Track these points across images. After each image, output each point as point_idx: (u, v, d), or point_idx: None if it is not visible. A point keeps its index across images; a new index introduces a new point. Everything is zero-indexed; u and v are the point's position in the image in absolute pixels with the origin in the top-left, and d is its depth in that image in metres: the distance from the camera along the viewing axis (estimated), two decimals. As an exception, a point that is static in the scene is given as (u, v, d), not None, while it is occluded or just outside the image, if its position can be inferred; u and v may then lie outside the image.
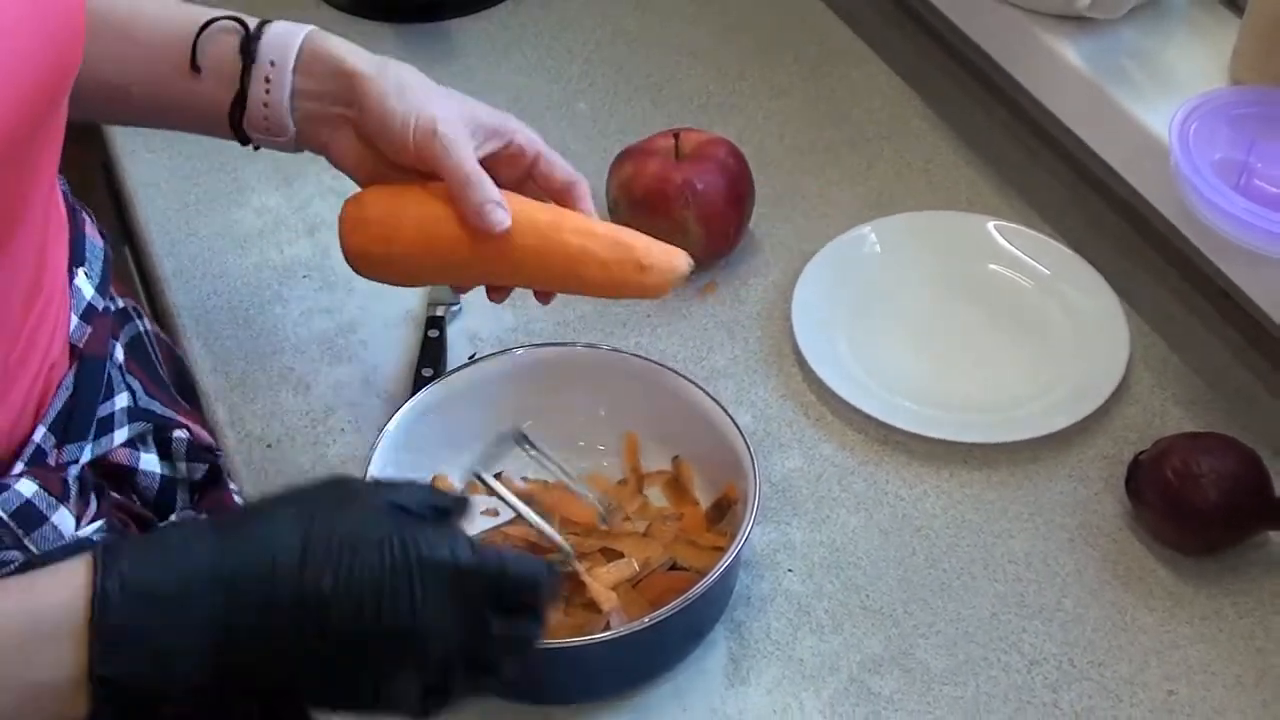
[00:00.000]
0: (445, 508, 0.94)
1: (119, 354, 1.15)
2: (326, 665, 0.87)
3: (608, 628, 1.11)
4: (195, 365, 1.36)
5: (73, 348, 1.08)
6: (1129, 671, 1.14)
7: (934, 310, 1.42)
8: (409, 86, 1.14)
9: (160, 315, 1.45)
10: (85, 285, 1.12)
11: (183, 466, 1.17)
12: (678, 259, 1.15)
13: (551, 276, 1.16)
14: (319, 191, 1.54)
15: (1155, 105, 1.27)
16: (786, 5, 1.80)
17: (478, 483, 1.20)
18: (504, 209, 1.11)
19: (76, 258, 1.11)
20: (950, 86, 1.65)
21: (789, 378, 1.36)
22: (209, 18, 1.16)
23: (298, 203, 1.53)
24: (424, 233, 1.14)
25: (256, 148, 1.20)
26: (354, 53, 1.16)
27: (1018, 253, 1.44)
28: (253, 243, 1.49)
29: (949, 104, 1.64)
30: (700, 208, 1.39)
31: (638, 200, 1.40)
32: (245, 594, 0.85)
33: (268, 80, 1.14)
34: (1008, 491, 1.27)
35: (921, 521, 1.25)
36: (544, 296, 1.21)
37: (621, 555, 1.17)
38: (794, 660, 1.15)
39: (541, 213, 1.15)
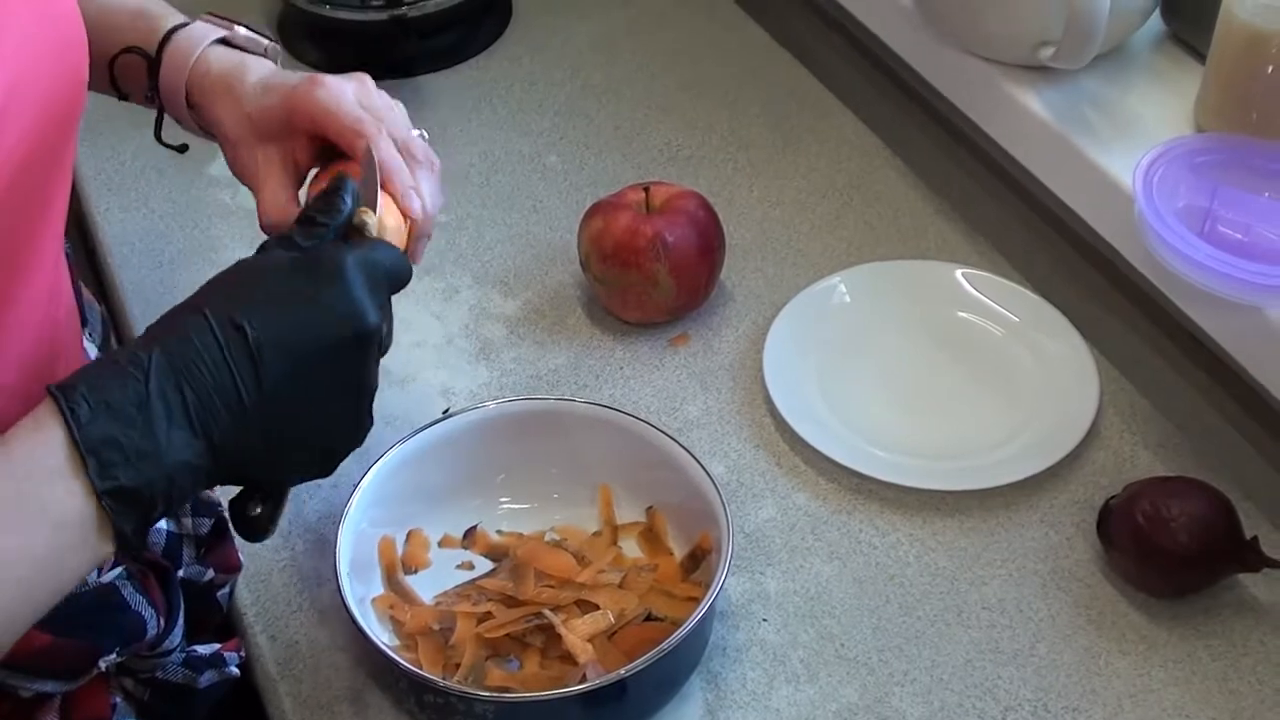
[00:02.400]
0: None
1: None
2: (310, 403, 0.95)
3: (584, 679, 1.11)
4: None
5: None
6: (1103, 716, 1.15)
7: (904, 359, 1.43)
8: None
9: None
10: (90, 346, 1.13)
11: (188, 522, 1.17)
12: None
13: None
14: (292, 248, 1.54)
15: (1119, 153, 1.28)
16: (754, 57, 1.81)
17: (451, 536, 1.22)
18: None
19: (80, 319, 1.12)
20: (917, 135, 1.66)
21: (761, 428, 1.37)
22: (119, 49, 1.19)
23: (271, 260, 1.53)
24: None
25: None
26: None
27: (986, 300, 1.45)
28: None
29: (916, 153, 1.65)
30: (671, 260, 1.39)
31: (609, 254, 1.41)
32: (200, 372, 0.89)
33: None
34: (980, 538, 1.27)
35: (895, 569, 1.25)
36: None
37: (597, 607, 1.18)
38: (770, 710, 1.16)
39: None
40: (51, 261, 1.01)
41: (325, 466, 1.00)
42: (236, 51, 1.19)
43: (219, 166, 1.64)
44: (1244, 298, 1.16)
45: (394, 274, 1.01)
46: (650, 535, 1.25)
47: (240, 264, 0.97)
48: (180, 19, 1.21)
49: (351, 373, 0.96)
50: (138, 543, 0.89)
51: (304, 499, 1.31)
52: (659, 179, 1.51)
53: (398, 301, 1.47)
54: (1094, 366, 1.38)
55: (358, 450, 1.31)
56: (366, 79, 1.18)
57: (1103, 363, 1.39)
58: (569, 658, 1.14)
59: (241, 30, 1.21)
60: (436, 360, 1.43)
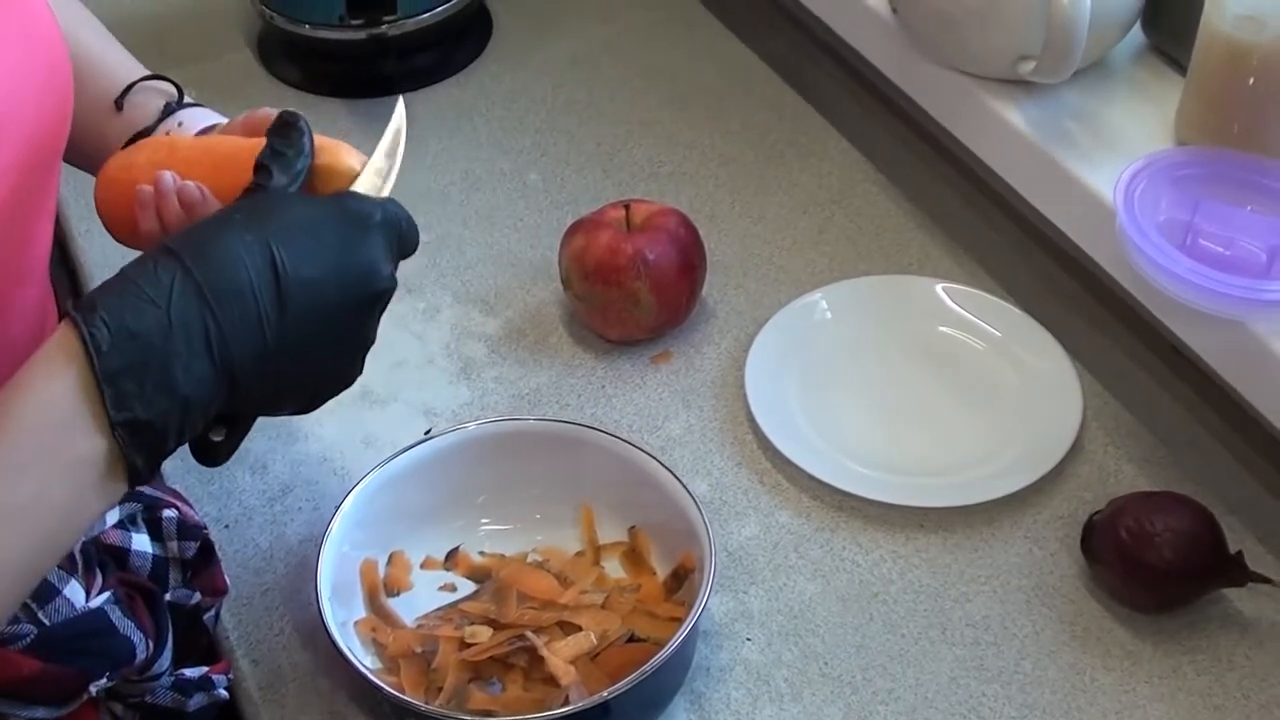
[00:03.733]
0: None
1: None
2: (321, 349, 0.96)
3: (567, 702, 1.10)
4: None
5: None
6: (1089, 732, 1.15)
7: (887, 375, 1.42)
8: None
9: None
10: None
11: (174, 545, 1.16)
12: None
13: None
14: (272, 269, 1.54)
15: (1100, 167, 1.28)
16: (735, 74, 1.80)
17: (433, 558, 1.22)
18: None
19: None
20: (899, 150, 1.66)
21: (744, 445, 1.36)
22: (154, 74, 1.19)
23: (251, 280, 1.53)
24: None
25: None
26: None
27: (968, 315, 1.45)
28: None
29: (898, 167, 1.64)
30: (652, 278, 1.39)
31: (590, 271, 1.40)
32: (228, 303, 0.90)
33: (168, 133, 1.16)
34: (964, 554, 1.27)
35: (878, 587, 1.25)
36: None
37: (579, 628, 1.17)
38: (754, 730, 1.16)
39: None
40: (38, 286, 1.01)
41: (311, 407, 1.02)
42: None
43: (198, 187, 1.64)
44: (1226, 311, 1.16)
45: (408, 236, 1.02)
46: (633, 555, 1.25)
47: (268, 197, 0.98)
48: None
49: (360, 326, 0.99)
50: (148, 477, 0.90)
51: (285, 522, 1.30)
52: (640, 196, 1.50)
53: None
54: (1077, 381, 1.37)
55: (341, 473, 1.32)
56: None
57: (1086, 377, 1.39)
58: (552, 680, 1.13)
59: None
60: (417, 380, 1.42)
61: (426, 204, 1.62)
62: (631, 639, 1.17)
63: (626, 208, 1.44)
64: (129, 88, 1.17)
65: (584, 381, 1.42)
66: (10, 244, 0.93)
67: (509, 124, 1.74)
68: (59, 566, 1.02)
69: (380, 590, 1.22)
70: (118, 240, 1.14)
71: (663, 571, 1.23)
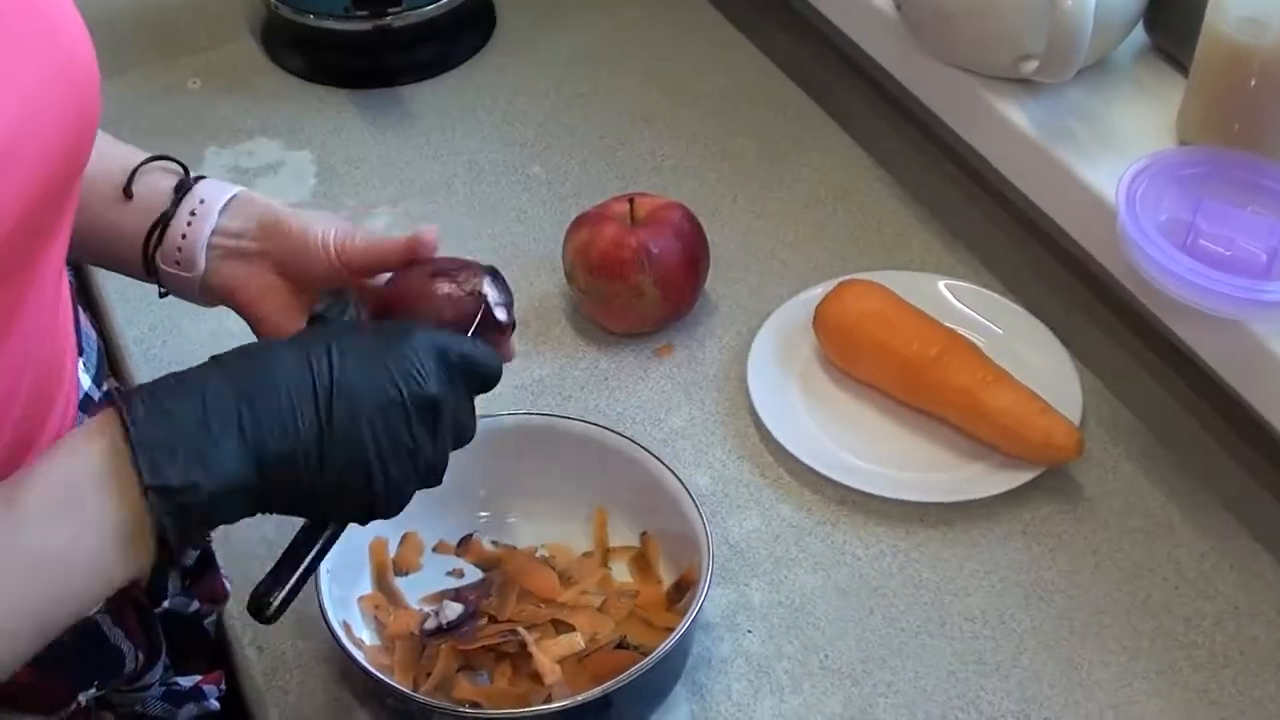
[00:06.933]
0: None
1: None
2: (359, 449, 0.94)
3: (549, 700, 1.11)
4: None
5: None
6: (1086, 727, 1.16)
7: (888, 370, 1.43)
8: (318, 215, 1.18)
9: (122, 385, 1.45)
10: (84, 376, 1.11)
11: None
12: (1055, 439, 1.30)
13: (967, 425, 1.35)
14: (277, 258, 1.54)
15: (1102, 166, 1.29)
16: (738, 68, 1.81)
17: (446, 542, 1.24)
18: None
19: (78, 348, 1.11)
20: (902, 147, 1.66)
21: (746, 438, 1.37)
22: (153, 155, 1.18)
23: (256, 270, 1.53)
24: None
25: (164, 294, 1.20)
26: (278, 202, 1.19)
27: (970, 311, 1.45)
28: (210, 309, 1.48)
29: (901, 164, 1.65)
30: (656, 271, 1.40)
31: (594, 265, 1.41)
32: (261, 395, 0.92)
33: (192, 213, 1.15)
34: (963, 549, 1.28)
35: (879, 581, 1.26)
36: None
37: (573, 628, 1.18)
38: (755, 721, 1.16)
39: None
40: (51, 294, 1.00)
41: (364, 517, 1.00)
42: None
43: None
44: (1226, 312, 1.16)
45: (471, 361, 1.01)
46: (641, 561, 1.25)
47: (316, 327, 1.03)
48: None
49: (402, 436, 0.96)
50: (175, 547, 0.90)
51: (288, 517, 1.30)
52: (643, 189, 1.50)
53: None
54: (1077, 378, 1.38)
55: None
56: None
57: (1085, 374, 1.39)
58: (539, 676, 1.14)
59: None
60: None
61: (429, 195, 1.63)
62: (622, 645, 1.17)
63: (631, 201, 1.45)
64: (134, 173, 1.17)
65: (587, 374, 1.43)
66: (22, 262, 0.92)
67: (512, 116, 1.75)
68: None
69: (388, 569, 1.23)
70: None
71: (669, 580, 1.23)
